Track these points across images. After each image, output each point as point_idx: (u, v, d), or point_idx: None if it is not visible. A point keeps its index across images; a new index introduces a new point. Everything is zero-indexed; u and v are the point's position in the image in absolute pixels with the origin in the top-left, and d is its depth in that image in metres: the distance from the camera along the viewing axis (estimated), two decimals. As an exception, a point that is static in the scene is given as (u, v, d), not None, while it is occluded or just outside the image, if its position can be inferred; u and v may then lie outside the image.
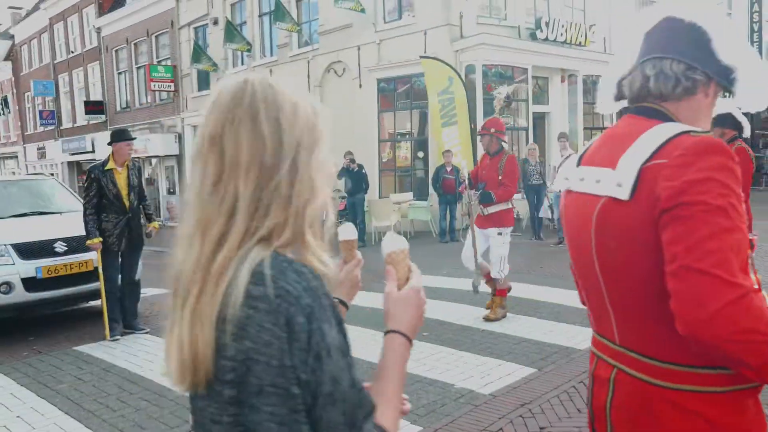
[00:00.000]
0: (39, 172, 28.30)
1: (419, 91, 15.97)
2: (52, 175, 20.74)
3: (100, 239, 6.35)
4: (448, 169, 13.21)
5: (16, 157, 38.19)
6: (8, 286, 6.48)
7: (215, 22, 21.42)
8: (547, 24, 16.11)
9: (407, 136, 16.77)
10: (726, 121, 5.25)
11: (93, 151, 28.88)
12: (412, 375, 4.84)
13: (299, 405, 0.96)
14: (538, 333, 5.90)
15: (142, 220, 6.81)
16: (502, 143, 6.69)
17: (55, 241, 6.83)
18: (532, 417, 4.05)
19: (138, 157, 26.00)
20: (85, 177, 7.39)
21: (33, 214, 7.70)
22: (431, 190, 14.64)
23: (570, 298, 7.14)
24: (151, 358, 5.68)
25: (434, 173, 13.48)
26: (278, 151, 1.03)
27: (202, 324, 0.98)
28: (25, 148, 36.57)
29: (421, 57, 14.79)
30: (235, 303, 0.96)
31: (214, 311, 0.97)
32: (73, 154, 30.69)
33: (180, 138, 23.76)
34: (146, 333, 6.61)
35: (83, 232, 6.79)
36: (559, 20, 16.49)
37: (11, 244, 6.63)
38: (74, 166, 31.34)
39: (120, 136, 6.64)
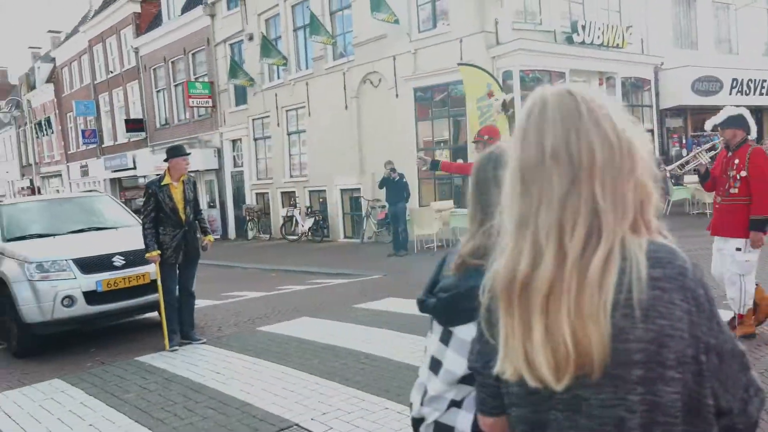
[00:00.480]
0: (93, 189, 28.98)
1: (456, 98, 16.00)
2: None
3: (159, 252, 6.51)
4: (489, 175, 13.17)
5: (60, 175, 39.20)
6: (71, 300, 6.68)
7: (250, 38, 21.76)
8: (583, 27, 16.02)
9: (445, 144, 16.79)
10: (739, 122, 5.46)
11: (134, 168, 29.52)
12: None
13: (705, 371, 1.07)
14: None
15: (198, 234, 6.95)
16: None
17: (113, 255, 7.02)
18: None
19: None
20: (125, 193, 7.57)
21: (90, 229, 7.92)
22: (471, 197, 14.60)
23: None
24: (211, 367, 5.78)
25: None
26: (621, 152, 1.09)
27: (591, 315, 1.04)
28: (68, 166, 37.53)
29: (459, 64, 14.85)
30: (639, 287, 1.04)
31: (605, 301, 1.04)
32: (114, 171, 31.40)
33: (219, 152, 24.14)
34: (203, 343, 6.74)
35: (139, 246, 6.99)
36: (595, 23, 16.38)
37: (72, 259, 6.83)
38: (116, 183, 32.06)
39: (176, 152, 6.83)
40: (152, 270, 6.99)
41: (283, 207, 21.38)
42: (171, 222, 6.64)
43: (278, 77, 21.19)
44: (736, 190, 5.44)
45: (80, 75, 34.85)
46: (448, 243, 14.60)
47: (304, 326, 7.21)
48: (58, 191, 38.42)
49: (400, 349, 5.92)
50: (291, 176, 21.12)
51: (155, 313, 8.02)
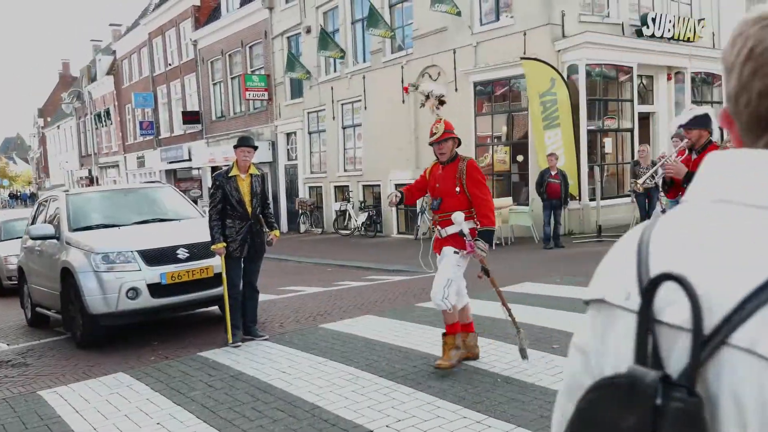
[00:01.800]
0: (156, 180, 29.48)
1: (517, 93, 15.58)
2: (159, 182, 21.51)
3: (224, 244, 6.40)
4: (553, 173, 12.76)
5: (117, 166, 40.09)
6: (135, 292, 6.62)
7: (308, 31, 21.69)
8: (653, 19, 15.37)
9: (501, 140, 16.38)
10: (704, 122, 5.08)
11: (189, 160, 29.90)
12: (551, 391, 4.56)
13: None
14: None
15: (264, 228, 6.81)
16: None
17: (177, 247, 6.94)
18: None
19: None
20: (180, 184, 7.48)
21: (153, 221, 7.87)
22: (532, 194, 14.20)
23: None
24: (277, 366, 5.62)
25: (538, 177, 13.04)
26: None
27: None
28: (125, 157, 38.35)
29: (522, 58, 14.44)
30: None
31: None
32: (170, 163, 31.88)
33: (273, 145, 24.20)
34: (265, 339, 6.59)
35: (203, 239, 6.91)
36: (666, 15, 15.71)
37: (137, 251, 6.77)
38: (171, 174, 32.53)
39: (239, 142, 6.70)
40: (216, 263, 6.89)
41: (336, 201, 21.28)
42: (237, 214, 6.51)
43: (335, 70, 21.07)
44: None
45: (139, 67, 35.50)
46: (507, 241, 14.23)
47: (368, 324, 7.00)
48: (114, 181, 39.34)
49: (471, 353, 5.65)
50: (345, 170, 20.99)
51: (215, 308, 7.96)
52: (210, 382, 5.28)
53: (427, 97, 5.47)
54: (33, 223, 8.86)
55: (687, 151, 5.26)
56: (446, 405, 4.43)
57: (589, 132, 14.72)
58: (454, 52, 16.44)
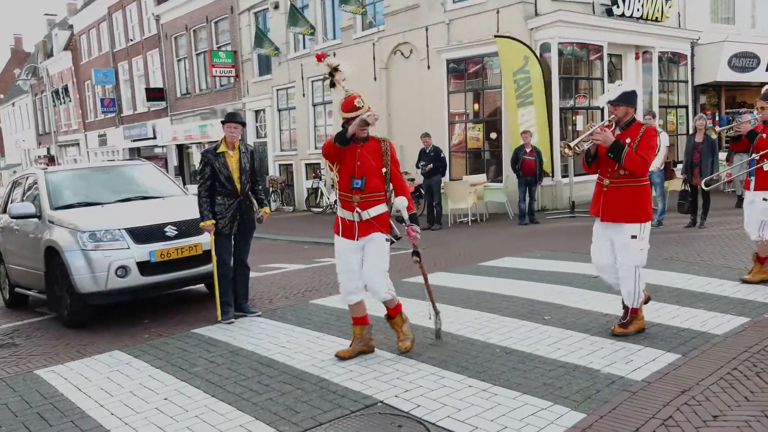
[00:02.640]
0: (134, 157, 28.83)
1: (490, 71, 15.69)
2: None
3: (213, 221, 6.37)
4: (528, 150, 12.94)
5: (78, 144, 39.13)
6: (124, 270, 6.56)
7: (276, 6, 21.41)
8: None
9: (477, 117, 16.50)
10: (632, 99, 5.18)
11: (154, 137, 29.39)
12: (550, 360, 4.72)
13: None
14: (665, 317, 5.68)
15: (256, 206, 6.80)
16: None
17: (165, 225, 6.87)
18: (699, 405, 3.87)
19: (199, 143, 26.38)
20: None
21: (136, 198, 7.77)
22: (506, 171, 14.40)
23: (685, 280, 6.90)
24: (275, 341, 5.66)
25: (513, 154, 13.23)
26: None
27: None
28: (86, 135, 37.44)
29: (496, 36, 14.53)
30: None
31: None
32: (134, 141, 31.29)
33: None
34: (258, 315, 6.62)
35: (191, 216, 6.88)
36: (636, -5, 15.96)
37: (125, 229, 6.69)
38: (135, 152, 31.91)
39: (226, 118, 6.65)
40: (205, 241, 6.86)
41: (308, 179, 21.21)
42: (226, 191, 6.48)
43: (304, 47, 20.89)
44: (627, 171, 5.06)
45: (99, 43, 34.57)
46: (483, 217, 14.42)
47: (358, 300, 7.06)
48: (75, 160, 38.41)
49: (465, 324, 5.79)
50: (316, 148, 20.90)
51: (202, 285, 7.94)
52: (210, 358, 5.29)
53: (335, 70, 5.09)
54: (8, 202, 8.66)
55: (613, 127, 5.20)
56: (450, 375, 4.54)
57: (562, 110, 14.95)
58: (427, 30, 16.45)
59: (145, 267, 6.67)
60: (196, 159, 27.50)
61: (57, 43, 40.15)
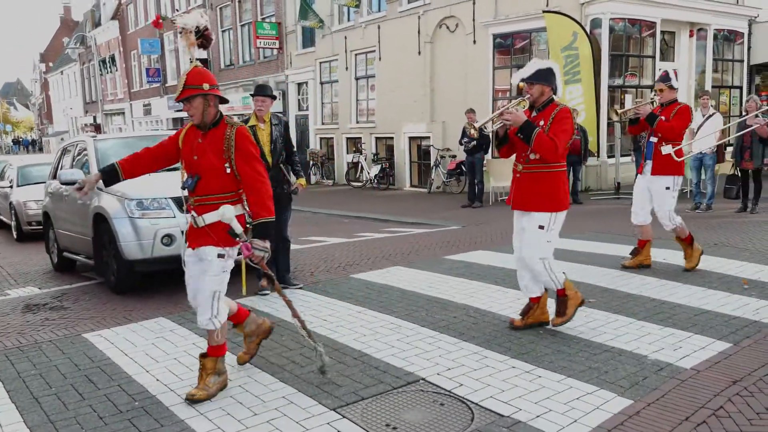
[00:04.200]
0: (179, 127, 29.25)
1: (537, 46, 15.36)
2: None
3: None
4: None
5: (123, 113, 39.79)
6: (170, 238, 6.65)
7: (321, -22, 21.25)
8: (679, -27, 15.05)
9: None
10: (548, 77, 4.75)
11: (197, 108, 29.63)
12: (596, 344, 4.63)
13: None
14: (715, 304, 5.52)
15: (292, 178, 6.79)
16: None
17: (209, 195, 6.91)
18: (752, 396, 3.76)
19: (241, 114, 26.55)
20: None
21: (179, 168, 7.82)
22: (551, 150, 14.13)
23: (736, 267, 6.70)
24: (317, 314, 5.68)
25: (558, 133, 12.95)
26: None
27: None
28: (131, 104, 38.03)
29: (544, 11, 14.19)
30: None
31: None
32: (177, 111, 31.61)
33: (284, 95, 23.96)
34: (299, 288, 6.65)
35: (235, 187, 6.90)
36: (692, -31, 15.39)
37: (171, 198, 6.76)
38: (178, 122, 32.30)
39: (255, 91, 6.62)
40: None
41: (348, 153, 21.21)
42: (258, 164, 6.47)
43: (348, 19, 20.74)
44: (537, 155, 4.66)
45: (145, 13, 34.91)
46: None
47: (399, 275, 7.06)
48: (120, 129, 39.09)
49: (507, 305, 5.72)
50: (357, 122, 20.85)
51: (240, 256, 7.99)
52: (253, 329, 5.33)
53: (183, 31, 4.00)
54: (58, 168, 8.84)
55: (527, 107, 4.84)
56: (493, 355, 4.50)
57: (610, 88, 14.57)
58: (474, 3, 16.15)
59: (189, 236, 6.73)
60: (238, 130, 27.69)
61: (105, 13, 40.70)
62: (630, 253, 7.03)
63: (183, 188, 4.03)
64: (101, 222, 7.00)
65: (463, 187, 15.52)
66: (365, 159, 19.98)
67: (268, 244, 3.84)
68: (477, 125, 4.88)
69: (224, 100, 4.02)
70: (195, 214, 3.90)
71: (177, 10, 31.12)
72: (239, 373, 4.37)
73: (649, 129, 6.62)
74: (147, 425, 3.64)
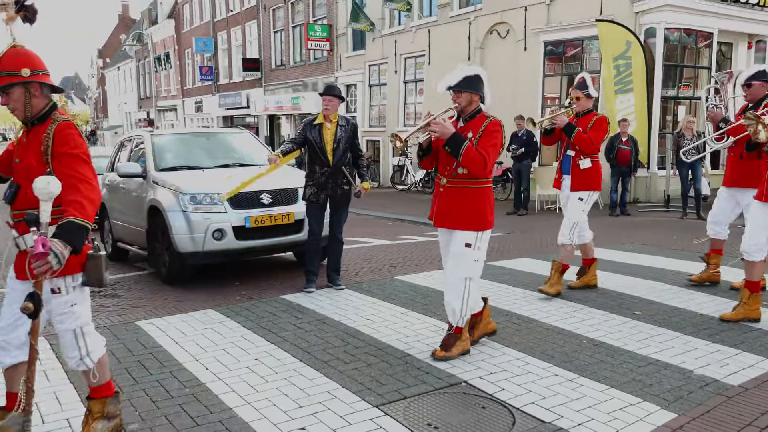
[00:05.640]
0: (233, 126, 29.87)
1: (588, 55, 15.21)
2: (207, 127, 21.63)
3: (278, 155, 6.53)
4: (624, 139, 12.53)
5: (176, 110, 40.71)
6: (221, 233, 6.84)
7: (374, -19, 21.43)
8: (739, -17, 14.73)
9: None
10: (476, 85, 4.43)
11: (247, 107, 30.18)
12: (640, 356, 4.60)
13: None
14: (764, 323, 5.42)
15: (357, 181, 6.92)
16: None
17: (261, 192, 7.09)
18: (801, 416, 3.70)
19: (290, 114, 26.92)
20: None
21: (234, 165, 8.04)
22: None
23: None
24: (360, 313, 5.77)
25: (608, 143, 12.80)
26: None
27: None
28: (184, 101, 38.89)
29: (597, 20, 14.05)
30: None
31: None
32: (228, 109, 32.25)
33: (333, 97, 24.17)
34: (342, 289, 6.74)
35: (285, 186, 7.16)
36: (753, -20, 15.04)
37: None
38: (229, 120, 32.94)
39: (324, 90, 6.76)
40: (297, 210, 7.09)
41: (394, 156, 21.31)
42: (319, 161, 6.62)
43: (399, 23, 20.85)
44: (466, 170, 4.35)
45: (200, 12, 35.67)
46: (570, 206, 14.09)
47: (443, 279, 7.08)
48: (172, 125, 39.99)
49: (550, 313, 5.71)
50: (405, 125, 20.93)
51: (290, 254, 8.17)
52: (299, 324, 5.46)
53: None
54: (116, 161, 9.15)
55: (455, 118, 4.52)
56: (536, 362, 4.51)
57: (663, 99, 14.34)
58: (526, 10, 16.08)
59: (240, 231, 6.93)
60: (285, 130, 28.08)
61: (161, 11, 41.72)
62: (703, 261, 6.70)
63: (2, 199, 3.15)
64: (156, 214, 7.23)
65: (508, 194, 15.46)
66: (411, 162, 20.04)
67: (67, 252, 2.72)
68: (403, 137, 4.54)
69: (57, 89, 3.17)
70: (15, 234, 2.98)
71: (231, 11, 31.74)
72: (285, 367, 4.48)
73: (565, 141, 6.19)
74: (197, 411, 3.77)
